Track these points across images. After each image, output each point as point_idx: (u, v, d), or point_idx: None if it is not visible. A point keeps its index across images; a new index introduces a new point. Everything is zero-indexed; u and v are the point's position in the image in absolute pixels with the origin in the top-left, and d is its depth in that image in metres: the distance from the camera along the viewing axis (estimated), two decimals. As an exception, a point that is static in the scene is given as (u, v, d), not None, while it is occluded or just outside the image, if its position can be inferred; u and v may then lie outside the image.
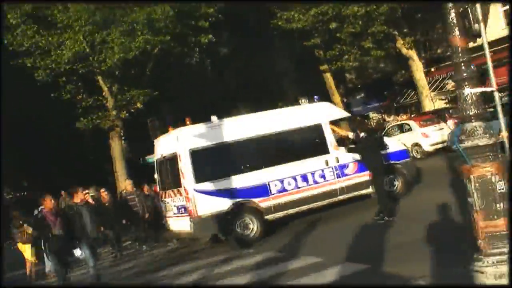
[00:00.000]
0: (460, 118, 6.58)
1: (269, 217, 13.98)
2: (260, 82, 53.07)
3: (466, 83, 6.37)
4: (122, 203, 17.57)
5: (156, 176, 15.88)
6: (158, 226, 16.79)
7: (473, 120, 6.34)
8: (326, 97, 41.75)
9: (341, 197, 14.65)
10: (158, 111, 46.03)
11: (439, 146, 24.91)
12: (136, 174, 27.95)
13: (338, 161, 14.60)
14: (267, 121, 14.79)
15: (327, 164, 14.49)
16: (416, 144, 25.72)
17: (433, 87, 37.65)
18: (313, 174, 14.24)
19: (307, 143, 14.62)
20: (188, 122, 14.34)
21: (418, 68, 33.57)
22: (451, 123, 25.58)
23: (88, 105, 28.18)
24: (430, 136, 25.25)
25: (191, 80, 55.05)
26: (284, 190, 14.01)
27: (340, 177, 14.54)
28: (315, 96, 15.74)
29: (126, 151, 32.34)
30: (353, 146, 13.92)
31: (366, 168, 13.52)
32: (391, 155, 15.10)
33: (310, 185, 14.25)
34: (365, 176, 14.54)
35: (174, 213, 14.41)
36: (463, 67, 6.39)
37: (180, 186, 13.60)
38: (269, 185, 13.90)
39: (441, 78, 39.85)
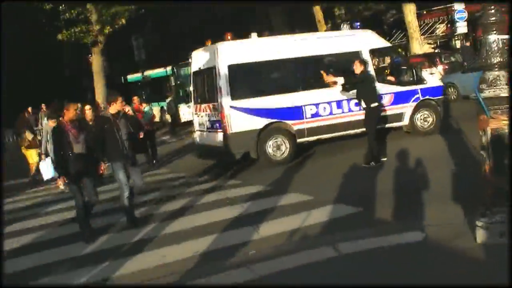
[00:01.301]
0: (481, 65, 6.21)
1: (302, 140, 14.03)
2: (250, 8, 52.01)
3: (493, 29, 5.98)
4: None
5: (191, 88, 15.78)
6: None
7: (496, 69, 6.00)
8: (314, 29, 41.20)
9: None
10: (141, 30, 45.01)
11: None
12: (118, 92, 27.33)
13: None
14: (308, 43, 14.50)
15: None
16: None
17: (422, 31, 37.17)
18: (348, 101, 14.01)
19: (346, 70, 14.07)
20: (228, 37, 14.28)
21: (410, 10, 32.86)
22: (441, 68, 25.24)
23: (71, 17, 27.20)
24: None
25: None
26: (318, 114, 13.91)
27: None
28: (356, 23, 15.49)
29: (107, 68, 31.49)
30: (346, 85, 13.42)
31: (361, 106, 13.09)
32: (428, 90, 15.01)
33: (344, 112, 14.11)
34: (400, 108, 14.72)
35: (208, 128, 14.32)
36: (492, 10, 5.97)
37: (216, 101, 13.52)
38: (304, 108, 13.79)
39: (432, 22, 39.36)
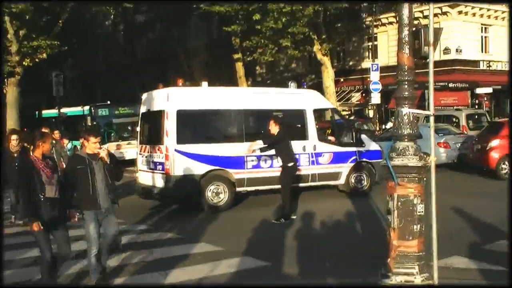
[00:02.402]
0: (393, 135, 6.64)
1: (241, 189, 14.38)
2: (170, 58, 52.37)
3: (405, 102, 6.44)
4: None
5: (138, 128, 15.87)
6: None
7: (406, 140, 6.43)
8: (234, 86, 41.89)
9: (311, 184, 15.19)
10: (59, 66, 44.33)
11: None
12: (30, 127, 26.70)
13: (315, 149, 14.98)
14: (255, 97, 15.28)
15: (304, 150, 14.78)
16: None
17: (339, 97, 38.56)
18: None
19: (290, 126, 14.69)
20: (180, 83, 14.70)
21: (329, 76, 34.10)
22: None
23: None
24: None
25: (100, 42, 53.49)
26: (259, 166, 14.28)
27: (314, 164, 14.94)
28: (303, 82, 16.14)
29: (21, 101, 30.79)
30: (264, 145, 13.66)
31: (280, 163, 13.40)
32: (365, 153, 15.75)
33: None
34: (337, 168, 15.33)
35: (150, 168, 14.35)
36: (406, 86, 6.45)
37: (161, 143, 13.73)
38: (246, 158, 14.12)
39: (348, 90, 40.98)
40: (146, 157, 14.69)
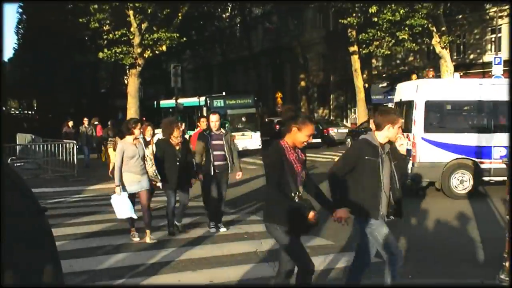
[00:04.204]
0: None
1: (486, 179, 14.63)
2: (286, 50, 52.61)
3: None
4: None
5: None
6: None
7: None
8: (349, 79, 41.47)
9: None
10: (178, 57, 45.78)
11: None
12: (149, 116, 27.76)
13: None
14: (493, 88, 15.03)
15: None
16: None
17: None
18: None
19: None
20: (431, 75, 15.40)
21: (448, 70, 32.91)
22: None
23: (115, 38, 27.83)
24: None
25: (217, 34, 54.67)
26: (505, 157, 14.31)
27: None
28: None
29: (141, 91, 32.12)
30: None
31: None
32: None
33: None
34: None
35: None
36: None
37: (410, 132, 14.46)
38: (493, 149, 14.36)
39: None
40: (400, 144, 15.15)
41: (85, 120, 24.28)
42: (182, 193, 10.42)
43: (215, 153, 10.35)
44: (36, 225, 2.03)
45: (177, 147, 10.15)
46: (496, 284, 6.18)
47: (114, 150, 16.66)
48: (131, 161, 9.46)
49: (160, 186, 10.47)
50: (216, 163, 10.36)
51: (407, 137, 14.16)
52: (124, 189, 9.43)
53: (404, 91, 16.01)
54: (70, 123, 24.74)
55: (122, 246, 9.43)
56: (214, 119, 10.42)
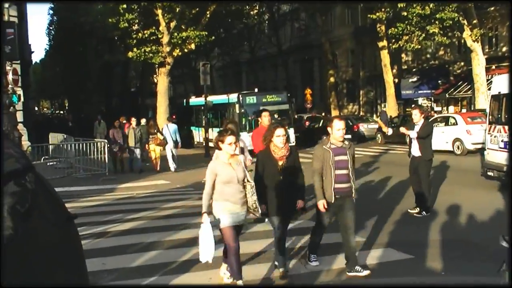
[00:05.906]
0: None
1: None
2: (315, 47, 52.46)
3: None
4: None
5: (487, 109, 16.70)
6: None
7: None
8: (378, 74, 41.19)
9: None
10: (207, 55, 45.94)
11: (480, 146, 24.13)
12: (179, 114, 27.93)
13: None
14: None
15: None
16: (458, 140, 25.02)
17: (489, 86, 36.58)
18: None
19: None
20: None
21: (479, 63, 32.50)
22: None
23: (144, 38, 28.05)
24: (473, 134, 24.49)
25: (246, 32, 54.77)
26: None
27: None
28: None
29: (171, 90, 32.32)
30: None
31: None
32: None
33: None
34: None
35: (500, 147, 15.01)
36: None
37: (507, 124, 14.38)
38: None
39: (500, 77, 38.66)
40: (495, 136, 15.25)
41: (133, 120, 22.20)
42: (281, 225, 7.87)
43: (337, 172, 7.72)
44: (64, 233, 2.01)
45: (280, 162, 7.77)
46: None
47: (157, 145, 20.67)
48: (226, 188, 6.96)
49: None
50: (337, 185, 7.75)
51: (503, 130, 14.47)
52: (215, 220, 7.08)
53: (502, 83, 15.50)
54: (116, 123, 22.88)
55: (154, 244, 9.48)
56: (341, 126, 7.68)
